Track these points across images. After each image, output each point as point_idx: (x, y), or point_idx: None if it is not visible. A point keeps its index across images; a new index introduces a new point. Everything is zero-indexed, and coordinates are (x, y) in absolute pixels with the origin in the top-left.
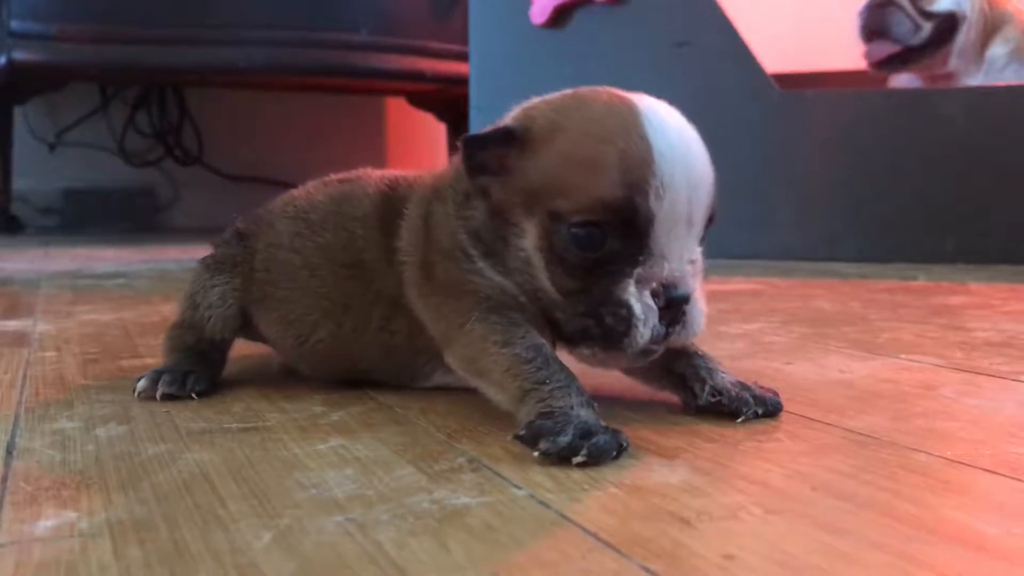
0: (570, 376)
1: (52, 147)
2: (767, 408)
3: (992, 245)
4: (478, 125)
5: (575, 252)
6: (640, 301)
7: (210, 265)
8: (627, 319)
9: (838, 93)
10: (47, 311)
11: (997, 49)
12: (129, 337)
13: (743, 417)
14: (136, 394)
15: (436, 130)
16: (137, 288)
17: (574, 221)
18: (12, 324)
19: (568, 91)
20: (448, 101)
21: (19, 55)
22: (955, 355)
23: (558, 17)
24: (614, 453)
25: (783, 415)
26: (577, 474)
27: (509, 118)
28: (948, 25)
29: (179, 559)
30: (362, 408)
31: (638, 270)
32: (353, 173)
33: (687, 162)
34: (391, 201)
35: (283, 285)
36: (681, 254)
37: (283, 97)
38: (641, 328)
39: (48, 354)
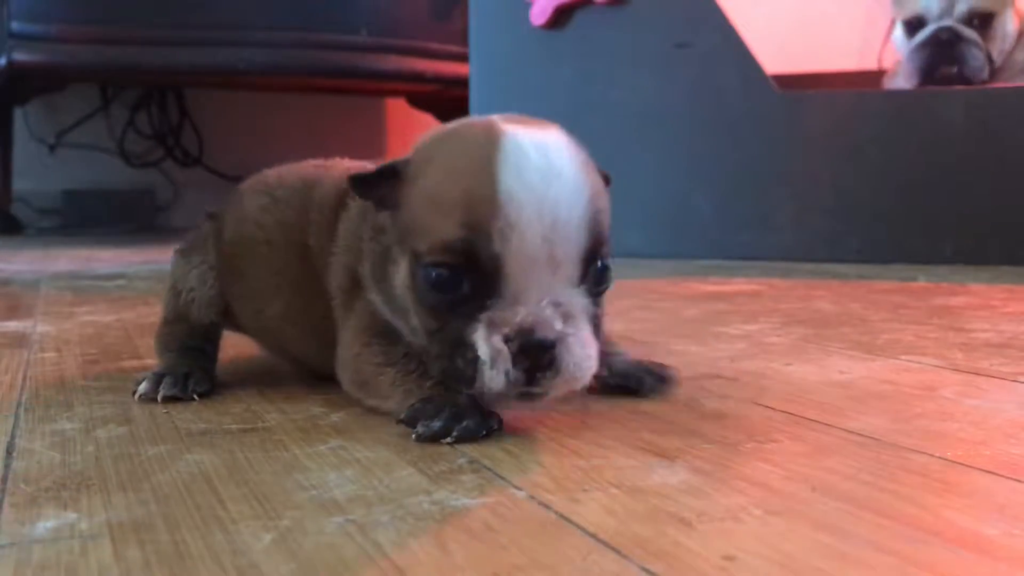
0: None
1: (52, 148)
2: (665, 382)
3: (992, 246)
4: None
5: (429, 293)
6: (488, 344)
7: (185, 251)
8: (473, 362)
9: (838, 94)
10: (47, 312)
11: (1019, 54)
12: (129, 338)
13: (643, 392)
14: (136, 397)
15: None
16: (137, 289)
17: (427, 262)
18: (12, 325)
19: (457, 121)
20: (448, 102)
21: (19, 56)
22: (955, 356)
23: (558, 18)
24: (483, 433)
25: (783, 416)
26: (577, 475)
27: (412, 148)
28: (1001, 64)
29: (179, 560)
30: (362, 409)
31: (487, 313)
32: (331, 160)
33: (544, 203)
34: (347, 190)
35: (246, 258)
36: (540, 297)
37: (283, 98)
38: (487, 371)
39: (48, 355)
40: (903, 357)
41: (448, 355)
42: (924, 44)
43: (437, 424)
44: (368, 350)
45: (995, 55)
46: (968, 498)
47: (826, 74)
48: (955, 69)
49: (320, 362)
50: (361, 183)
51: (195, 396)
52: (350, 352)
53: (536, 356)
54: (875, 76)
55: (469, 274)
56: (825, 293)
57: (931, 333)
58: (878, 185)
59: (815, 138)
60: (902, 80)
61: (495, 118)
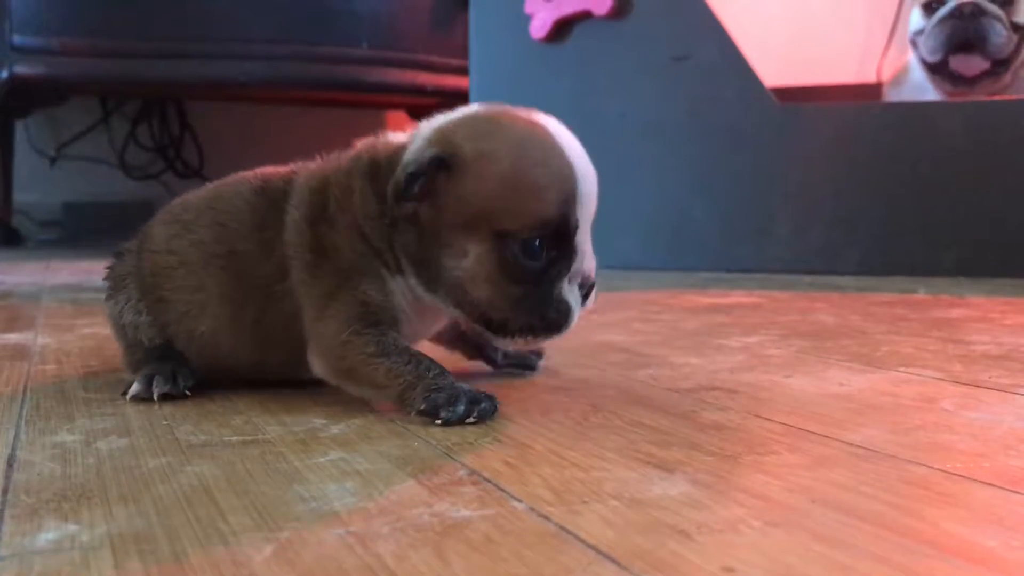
0: (438, 363)
1: (53, 161)
2: (538, 357)
3: (992, 258)
4: None
5: (524, 263)
6: (573, 296)
7: (110, 295)
8: (567, 313)
9: (837, 106)
10: (48, 324)
11: None
12: None
13: (536, 367)
14: (128, 398)
15: None
16: None
17: (523, 238)
18: (13, 337)
19: (472, 112)
20: None
21: (21, 69)
22: (954, 368)
23: (558, 31)
24: (493, 413)
25: (783, 428)
26: (577, 487)
27: (423, 141)
28: (1022, 40)
29: (180, 572)
30: (362, 421)
31: (569, 271)
32: (228, 177)
33: (591, 173)
34: (265, 194)
35: (166, 286)
36: (590, 249)
37: (284, 110)
38: (574, 317)
39: (49, 367)
40: (902, 369)
41: (540, 312)
42: (946, 18)
43: (461, 408)
44: (359, 339)
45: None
46: (967, 510)
47: (825, 87)
48: (977, 43)
49: (259, 365)
50: (414, 177)
51: (187, 392)
52: (335, 340)
53: (588, 295)
54: (874, 88)
55: (555, 241)
56: (824, 305)
57: (930, 345)
58: (877, 197)
59: (814, 150)
60: (923, 54)
61: (505, 108)
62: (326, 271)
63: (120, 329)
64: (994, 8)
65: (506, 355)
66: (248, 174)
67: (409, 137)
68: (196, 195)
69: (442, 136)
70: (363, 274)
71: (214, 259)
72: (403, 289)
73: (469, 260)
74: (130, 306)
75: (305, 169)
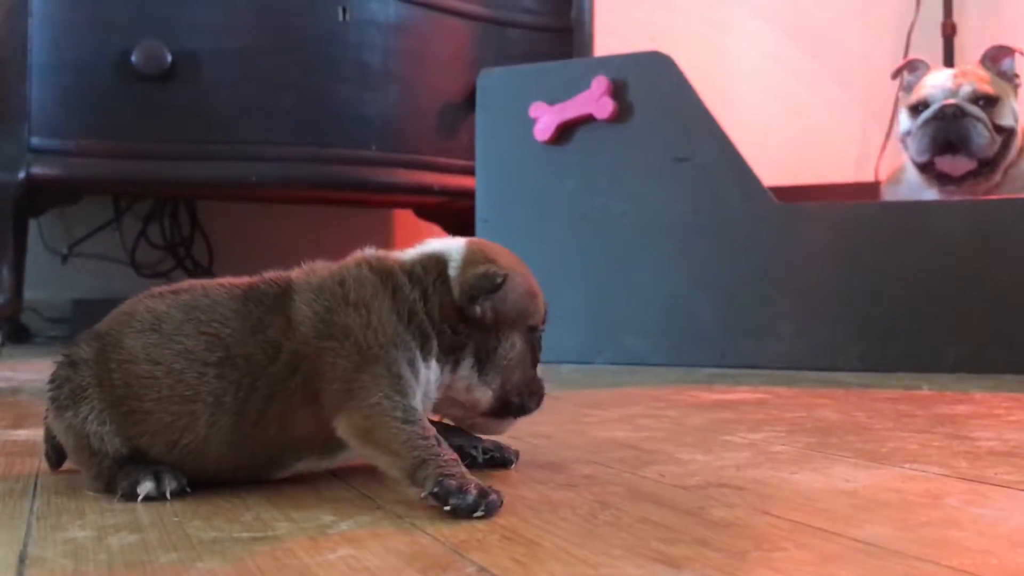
0: (453, 451)
1: (65, 258)
2: (516, 457)
3: (994, 354)
4: (484, 235)
5: (537, 351)
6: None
7: (67, 405)
8: (543, 394)
9: (835, 205)
10: None
11: (1022, 166)
12: None
13: (514, 464)
14: (141, 499)
15: None
16: None
17: (540, 330)
18: (23, 434)
19: (473, 239)
20: (454, 213)
21: (37, 170)
22: (960, 464)
23: (561, 134)
24: (499, 506)
25: (790, 525)
26: None
27: (465, 258)
28: (1007, 141)
29: None
30: (371, 517)
31: None
32: (180, 284)
33: None
34: (254, 299)
35: (147, 397)
36: None
37: (293, 209)
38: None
39: None
40: (907, 465)
41: (540, 390)
42: (930, 119)
43: (471, 498)
44: (388, 403)
45: (1016, 127)
46: None
47: (824, 186)
48: (960, 145)
49: (256, 463)
50: (493, 288)
51: (188, 488)
52: (366, 400)
53: None
54: (872, 188)
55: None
56: (829, 402)
57: (935, 441)
58: (879, 294)
59: (815, 248)
60: (911, 155)
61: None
62: (350, 350)
63: (82, 440)
64: (976, 110)
65: (485, 451)
66: (208, 282)
67: (431, 254)
68: (164, 303)
69: (485, 255)
70: (399, 349)
71: (208, 368)
72: (427, 374)
73: (517, 350)
74: (93, 416)
75: (296, 274)
